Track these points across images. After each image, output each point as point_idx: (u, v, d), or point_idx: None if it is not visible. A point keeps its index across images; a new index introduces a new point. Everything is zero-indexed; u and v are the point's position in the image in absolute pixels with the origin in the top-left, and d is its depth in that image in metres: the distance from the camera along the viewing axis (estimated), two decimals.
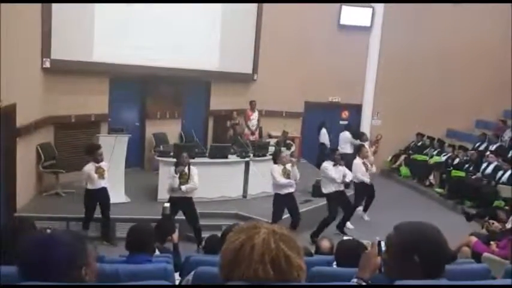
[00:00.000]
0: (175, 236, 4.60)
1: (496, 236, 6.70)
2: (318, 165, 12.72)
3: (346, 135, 12.36)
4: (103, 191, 7.35)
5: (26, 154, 8.16)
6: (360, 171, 8.86)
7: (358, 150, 9.35)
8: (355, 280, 2.16)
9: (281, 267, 1.30)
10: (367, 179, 8.91)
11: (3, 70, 6.72)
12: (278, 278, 1.29)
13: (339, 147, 11.82)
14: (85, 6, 9.25)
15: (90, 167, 7.27)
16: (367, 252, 2.25)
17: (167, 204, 6.84)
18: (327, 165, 8.36)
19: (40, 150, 8.75)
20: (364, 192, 9.15)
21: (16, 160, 7.65)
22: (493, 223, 7.19)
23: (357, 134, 12.06)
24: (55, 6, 8.65)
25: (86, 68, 9.46)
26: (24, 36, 7.86)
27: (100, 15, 9.54)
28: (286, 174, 7.72)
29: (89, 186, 7.27)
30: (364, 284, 2.14)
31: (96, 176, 7.24)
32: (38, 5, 8.42)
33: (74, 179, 9.03)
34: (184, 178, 7.31)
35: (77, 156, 9.48)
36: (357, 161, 8.99)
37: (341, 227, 8.54)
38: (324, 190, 8.42)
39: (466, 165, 11.56)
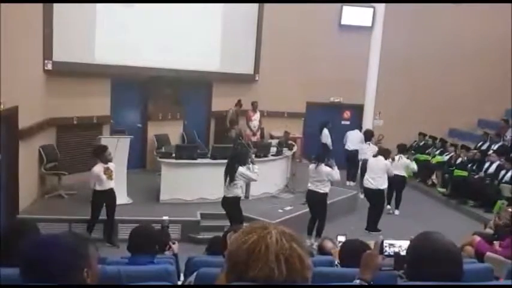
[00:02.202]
0: (176, 246, 4.58)
1: (501, 231, 6.65)
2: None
3: (358, 134, 12.20)
4: (111, 192, 7.38)
5: (28, 156, 8.18)
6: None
7: (387, 153, 9.47)
8: (357, 281, 2.15)
9: (295, 266, 1.31)
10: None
11: (5, 72, 6.73)
12: (290, 277, 1.29)
13: (346, 146, 12.10)
14: (87, 8, 9.26)
15: (99, 168, 7.27)
16: (369, 252, 2.24)
17: (166, 217, 6.85)
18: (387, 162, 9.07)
19: (42, 152, 8.76)
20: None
21: (18, 162, 7.67)
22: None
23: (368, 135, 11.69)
24: (57, 8, 8.66)
25: (88, 70, 9.47)
26: (26, 38, 7.88)
27: (102, 17, 9.55)
28: None
29: (98, 188, 7.27)
30: (366, 284, 2.13)
31: (105, 177, 7.25)
32: (40, 7, 8.43)
33: (76, 180, 9.06)
34: None
35: (79, 158, 9.52)
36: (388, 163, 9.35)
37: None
38: (382, 186, 9.00)
39: (469, 165, 11.55)
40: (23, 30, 7.74)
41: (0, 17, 6.51)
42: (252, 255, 1.31)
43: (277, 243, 1.31)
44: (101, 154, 7.37)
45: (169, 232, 6.33)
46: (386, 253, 2.19)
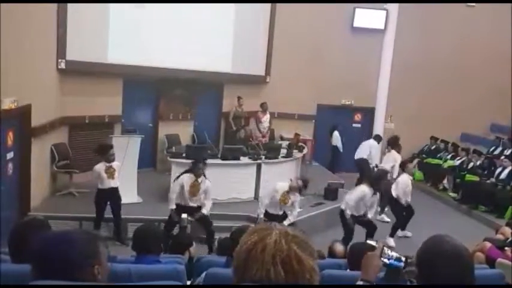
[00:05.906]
0: (193, 249, 4.58)
1: None
2: (330, 168, 12.72)
3: (372, 143, 11.54)
4: (113, 191, 7.41)
5: (40, 154, 8.25)
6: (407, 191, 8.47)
7: (404, 166, 8.86)
8: (360, 283, 2.15)
9: (293, 268, 1.29)
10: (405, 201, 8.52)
11: (19, 70, 6.80)
12: (290, 279, 1.28)
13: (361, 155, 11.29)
14: (100, 8, 9.33)
15: (100, 167, 7.36)
16: (369, 253, 2.23)
17: (185, 215, 6.87)
18: (366, 191, 7.55)
19: (54, 150, 8.84)
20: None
21: (31, 160, 7.74)
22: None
23: (391, 141, 10.74)
24: (70, 8, 8.73)
25: (100, 70, 9.54)
26: (39, 37, 7.95)
27: (115, 17, 9.62)
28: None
29: (99, 186, 7.38)
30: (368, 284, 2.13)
31: (105, 175, 7.32)
32: (54, 7, 8.51)
33: (87, 179, 9.12)
34: None
35: (91, 156, 9.57)
36: (405, 179, 8.57)
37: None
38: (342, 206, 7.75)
39: (480, 170, 11.43)
40: (37, 29, 7.82)
41: (2, 16, 6.58)
42: (249, 256, 1.31)
43: (275, 245, 1.30)
44: (105, 153, 7.44)
45: (189, 234, 6.32)
46: (386, 256, 2.18)
